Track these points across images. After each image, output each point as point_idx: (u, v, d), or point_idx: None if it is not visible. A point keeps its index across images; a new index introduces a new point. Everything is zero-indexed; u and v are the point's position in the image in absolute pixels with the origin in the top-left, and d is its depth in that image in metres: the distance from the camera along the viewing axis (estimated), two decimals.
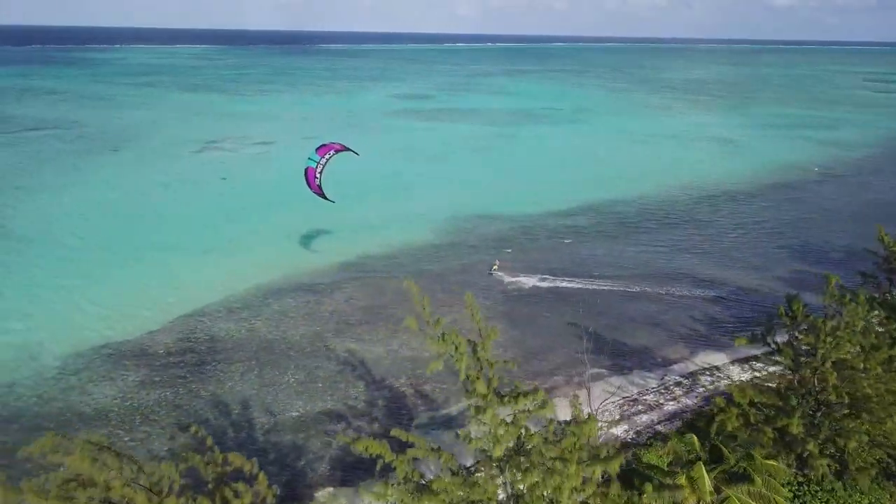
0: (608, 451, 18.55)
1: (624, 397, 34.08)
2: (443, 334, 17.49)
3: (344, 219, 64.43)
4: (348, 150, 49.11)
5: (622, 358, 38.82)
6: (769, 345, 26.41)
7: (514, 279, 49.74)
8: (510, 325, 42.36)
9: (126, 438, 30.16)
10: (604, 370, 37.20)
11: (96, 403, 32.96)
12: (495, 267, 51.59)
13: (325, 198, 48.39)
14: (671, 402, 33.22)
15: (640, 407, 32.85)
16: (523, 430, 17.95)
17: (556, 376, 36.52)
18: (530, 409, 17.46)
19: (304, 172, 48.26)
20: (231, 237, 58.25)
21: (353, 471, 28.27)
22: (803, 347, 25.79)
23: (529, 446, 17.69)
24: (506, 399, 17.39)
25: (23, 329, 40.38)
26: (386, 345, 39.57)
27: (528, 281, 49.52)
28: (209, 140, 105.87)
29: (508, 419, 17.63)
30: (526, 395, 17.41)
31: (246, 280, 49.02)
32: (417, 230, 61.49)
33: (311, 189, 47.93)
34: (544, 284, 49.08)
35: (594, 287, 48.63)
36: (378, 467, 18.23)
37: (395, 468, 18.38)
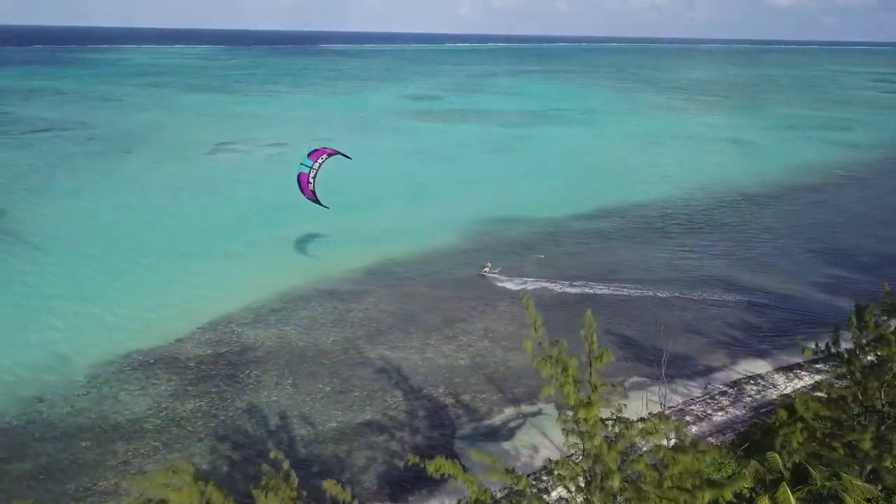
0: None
1: (669, 407, 33.24)
2: (551, 356, 16.54)
3: (365, 222, 63.78)
4: (341, 154, 48.30)
5: (661, 366, 37.89)
6: (834, 355, 25.55)
7: (542, 285, 48.88)
8: (549, 331, 41.34)
9: (164, 451, 29.35)
10: (645, 379, 36.38)
11: (131, 414, 32.13)
12: (486, 269, 50.77)
13: (320, 203, 47.57)
14: (719, 413, 32.40)
15: (687, 418, 32.02)
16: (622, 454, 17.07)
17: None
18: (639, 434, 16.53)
19: (297, 178, 47.19)
20: (251, 241, 57.46)
21: (401, 485, 27.47)
22: (869, 359, 24.95)
23: (634, 473, 16.81)
24: (620, 427, 16.46)
25: (47, 339, 39.55)
26: (420, 352, 38.75)
27: (556, 287, 48.63)
28: (221, 142, 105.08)
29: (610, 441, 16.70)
30: (649, 423, 16.40)
31: (270, 285, 48.22)
32: (440, 234, 60.67)
33: (305, 195, 47.23)
34: (573, 290, 48.21)
35: (626, 293, 47.79)
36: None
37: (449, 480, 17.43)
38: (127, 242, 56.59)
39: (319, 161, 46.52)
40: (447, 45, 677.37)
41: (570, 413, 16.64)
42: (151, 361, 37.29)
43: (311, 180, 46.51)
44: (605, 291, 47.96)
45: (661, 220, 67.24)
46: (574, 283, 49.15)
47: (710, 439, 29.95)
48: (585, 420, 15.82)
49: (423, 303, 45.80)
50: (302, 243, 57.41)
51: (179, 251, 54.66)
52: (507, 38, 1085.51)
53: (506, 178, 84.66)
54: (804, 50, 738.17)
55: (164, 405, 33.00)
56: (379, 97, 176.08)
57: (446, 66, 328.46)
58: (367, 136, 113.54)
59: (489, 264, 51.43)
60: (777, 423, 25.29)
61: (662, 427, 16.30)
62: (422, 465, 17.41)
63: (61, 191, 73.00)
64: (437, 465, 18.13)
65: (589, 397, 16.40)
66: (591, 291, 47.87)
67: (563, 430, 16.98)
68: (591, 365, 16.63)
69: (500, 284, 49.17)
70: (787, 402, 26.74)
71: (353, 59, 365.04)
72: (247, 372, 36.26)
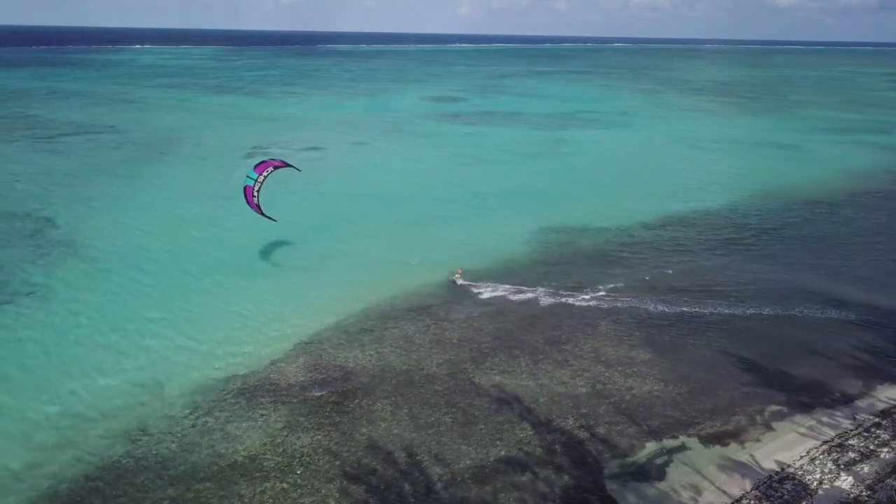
0: None
1: (824, 441, 30.84)
2: None
3: (433, 234, 61.52)
4: (289, 166, 48.11)
5: (795, 393, 35.56)
6: None
7: (636, 304, 46.40)
8: (658, 354, 39.15)
9: (294, 494, 26.93)
10: (783, 407, 33.99)
11: (245, 450, 29.69)
12: (458, 275, 48.76)
13: (265, 215, 47.21)
14: (884, 449, 29.95)
15: (851, 454, 29.59)
16: None
17: (736, 415, 33.18)
18: None
19: (242, 191, 47.34)
20: (322, 255, 54.97)
21: None
22: None
23: None
24: None
25: (135, 366, 37.00)
26: (534, 378, 36.32)
27: (650, 304, 46.11)
28: (256, 145, 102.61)
29: None
30: None
31: (352, 302, 45.86)
32: (511, 246, 58.28)
33: (250, 206, 47.28)
34: (671, 309, 45.66)
35: (725, 311, 45.35)
36: None
37: None
38: (190, 257, 54.13)
39: (265, 174, 46.49)
40: (450, 45, 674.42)
41: None
42: (251, 388, 34.88)
43: (256, 193, 46.87)
44: (704, 310, 45.43)
45: (733, 229, 64.86)
46: (665, 299, 46.69)
47: (893, 481, 27.49)
48: None
49: (516, 321, 43.39)
50: (373, 256, 54.99)
51: (248, 266, 52.25)
52: (509, 39, 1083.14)
53: (559, 185, 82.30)
54: (809, 51, 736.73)
55: (278, 439, 30.57)
56: (401, 99, 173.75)
57: (458, 67, 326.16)
58: (405, 140, 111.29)
59: (460, 270, 49.33)
60: None
61: None
62: None
63: (107, 199, 70.57)
64: None
65: None
66: (690, 310, 45.35)
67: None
68: None
69: (475, 291, 47.41)
70: None
71: (362, 60, 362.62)
72: (356, 401, 33.83)
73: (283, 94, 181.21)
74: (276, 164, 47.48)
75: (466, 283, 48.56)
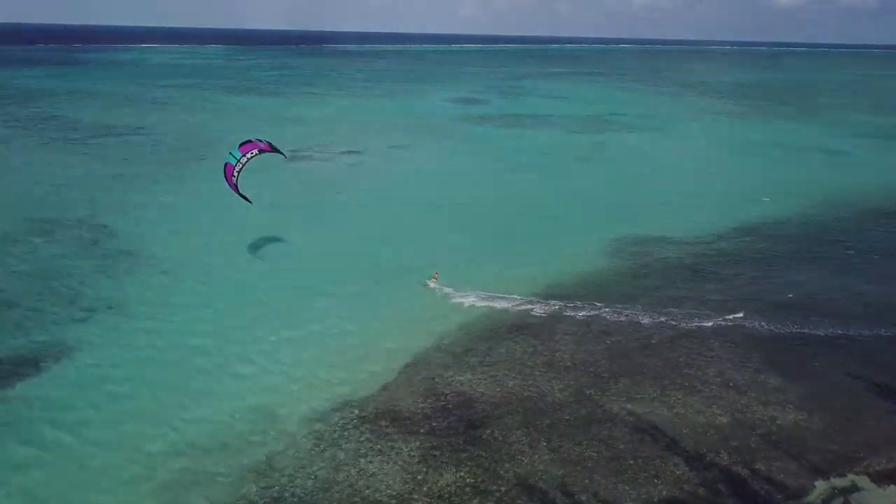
0: None
1: None
2: None
3: (502, 244, 59.31)
4: (277, 151, 46.33)
5: None
6: None
7: (744, 322, 44.19)
8: (787, 379, 36.93)
9: None
10: None
11: (388, 489, 27.44)
12: (433, 281, 47.19)
13: (242, 196, 45.55)
14: None
15: None
16: None
17: None
18: None
19: (223, 168, 45.48)
20: (402, 267, 52.58)
21: None
22: None
23: None
24: None
25: (243, 391, 34.72)
26: (667, 406, 34.11)
27: (758, 322, 43.86)
28: (291, 149, 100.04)
29: None
30: None
31: (444, 319, 43.70)
32: (589, 258, 56.08)
33: (228, 185, 45.54)
34: (781, 329, 43.29)
35: (839, 330, 43.04)
36: None
37: None
38: (264, 271, 51.74)
39: (248, 155, 44.76)
40: (454, 45, 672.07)
41: None
42: (371, 416, 32.65)
43: (236, 173, 45.04)
44: (817, 331, 43.05)
45: (813, 240, 62.70)
46: (775, 320, 44.33)
47: None
48: None
49: (626, 342, 41.21)
50: (452, 269, 52.61)
51: (326, 282, 49.80)
52: (514, 39, 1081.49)
53: (615, 192, 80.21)
54: (814, 53, 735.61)
55: (419, 476, 28.34)
56: (425, 101, 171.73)
57: (469, 67, 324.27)
58: (442, 144, 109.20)
59: (436, 275, 47.65)
60: None
61: None
62: None
63: (157, 206, 68.36)
64: None
65: None
66: (802, 330, 43.02)
67: None
68: None
69: (454, 301, 45.78)
70: None
71: (371, 60, 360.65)
72: (488, 431, 31.62)
73: (303, 94, 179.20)
74: (263, 146, 45.02)
75: (438, 287, 47.08)
